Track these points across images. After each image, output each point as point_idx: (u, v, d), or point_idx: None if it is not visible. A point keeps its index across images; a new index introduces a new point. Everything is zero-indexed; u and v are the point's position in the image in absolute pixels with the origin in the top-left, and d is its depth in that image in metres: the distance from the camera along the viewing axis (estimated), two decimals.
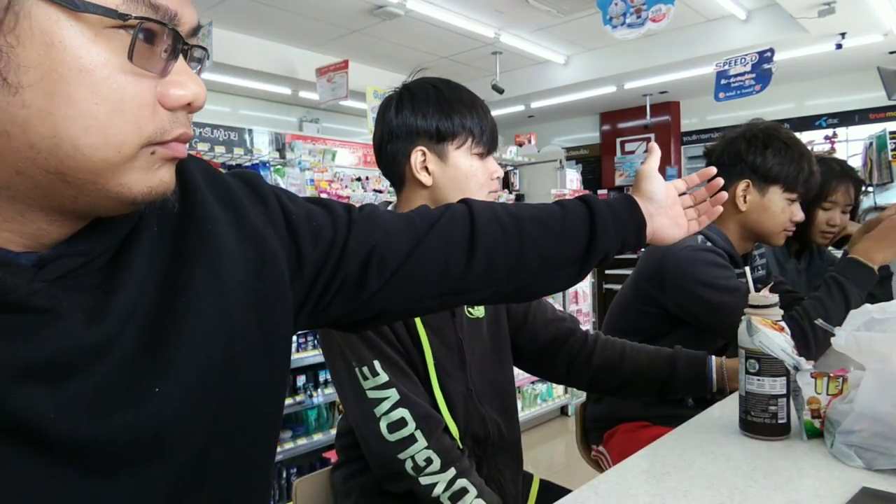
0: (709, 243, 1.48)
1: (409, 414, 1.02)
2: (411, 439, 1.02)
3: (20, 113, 0.40)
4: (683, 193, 0.91)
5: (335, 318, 0.71)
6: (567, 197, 4.38)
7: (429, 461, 1.02)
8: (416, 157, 1.08)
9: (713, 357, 1.26)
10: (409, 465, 1.02)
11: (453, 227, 0.75)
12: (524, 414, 4.01)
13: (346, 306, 0.70)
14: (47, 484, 0.44)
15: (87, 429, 0.45)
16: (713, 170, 0.92)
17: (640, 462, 0.88)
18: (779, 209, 1.47)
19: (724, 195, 0.92)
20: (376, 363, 1.03)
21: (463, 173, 1.08)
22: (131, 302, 0.49)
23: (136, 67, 0.43)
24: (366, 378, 1.03)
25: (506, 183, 4.82)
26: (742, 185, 1.49)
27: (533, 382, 4.24)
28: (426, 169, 1.08)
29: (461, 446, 1.10)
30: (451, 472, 1.02)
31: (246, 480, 0.60)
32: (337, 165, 3.68)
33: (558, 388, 4.41)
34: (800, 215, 1.49)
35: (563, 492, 1.19)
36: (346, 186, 3.45)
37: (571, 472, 1.26)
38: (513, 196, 4.65)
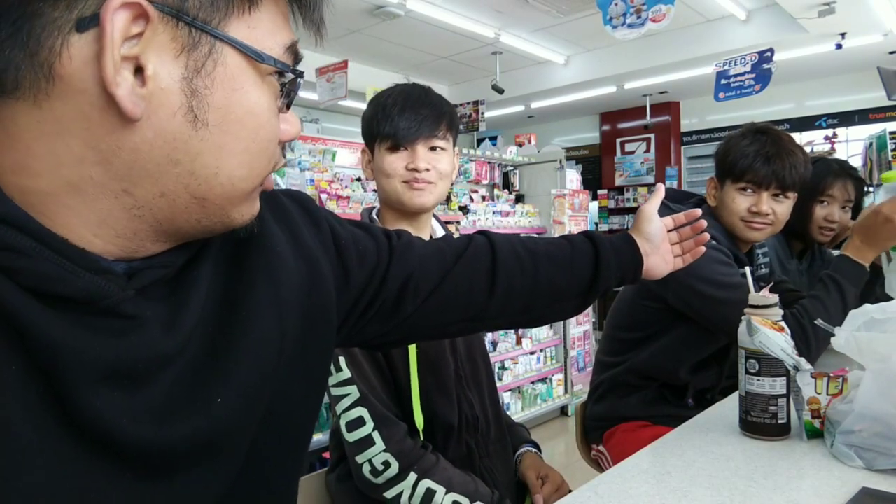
0: (713, 242, 1.47)
1: (367, 413, 1.02)
2: (369, 441, 1.02)
3: (196, 146, 0.45)
4: (672, 230, 0.98)
5: (368, 337, 0.76)
6: (566, 196, 4.40)
7: (386, 465, 1.02)
8: (364, 157, 1.23)
9: None
10: (366, 468, 1.02)
11: (477, 258, 0.82)
12: (524, 414, 4.01)
13: (380, 327, 0.75)
14: (108, 486, 0.45)
15: (154, 434, 0.46)
16: (698, 211, 0.98)
17: (640, 462, 0.88)
18: (730, 200, 1.46)
19: (707, 236, 0.99)
20: (341, 359, 1.04)
21: (378, 167, 1.19)
22: (197, 314, 0.51)
23: (277, 109, 0.49)
24: (330, 374, 1.04)
25: (506, 183, 4.82)
26: (710, 184, 1.54)
27: (533, 382, 4.24)
28: (371, 167, 1.21)
29: (423, 440, 1.10)
30: (412, 476, 1.02)
31: (278, 481, 0.62)
32: (337, 165, 3.66)
33: (558, 389, 4.40)
34: (761, 205, 1.43)
35: None
36: (346, 186, 3.44)
37: (571, 472, 1.26)
38: (513, 196, 4.65)
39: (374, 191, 3.73)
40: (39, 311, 0.41)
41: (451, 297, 0.79)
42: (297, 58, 0.50)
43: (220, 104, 0.45)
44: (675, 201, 1.56)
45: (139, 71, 0.42)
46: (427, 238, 1.21)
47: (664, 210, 1.57)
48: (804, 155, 1.46)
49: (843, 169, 1.86)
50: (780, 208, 1.45)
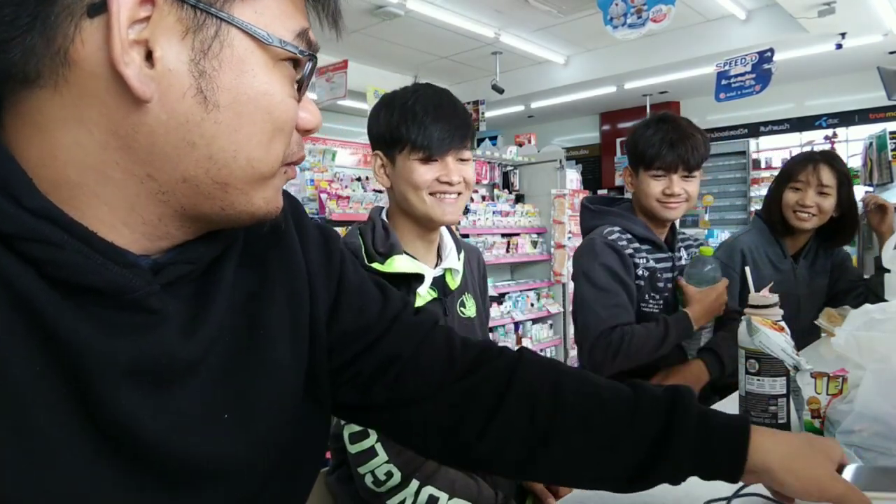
0: (628, 234, 1.57)
1: None
2: (371, 452, 1.02)
3: (210, 128, 0.45)
4: None
5: (341, 402, 0.67)
6: (566, 196, 4.40)
7: (389, 475, 1.01)
8: (376, 161, 1.16)
9: None
10: (369, 479, 1.02)
11: (485, 386, 0.67)
12: None
13: (353, 399, 0.67)
14: (126, 490, 0.45)
15: (177, 442, 0.47)
16: None
17: None
18: (646, 186, 1.57)
19: None
20: None
21: (404, 177, 1.13)
22: (218, 321, 0.52)
23: (295, 93, 0.50)
24: None
25: (506, 183, 4.82)
26: (626, 172, 1.66)
27: None
28: (385, 173, 1.16)
29: None
30: (414, 483, 1.02)
31: (288, 495, 0.63)
32: (337, 165, 3.66)
33: None
34: (673, 188, 1.52)
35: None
36: (346, 186, 3.44)
37: None
38: (513, 196, 4.65)
39: (375, 191, 3.73)
40: (65, 308, 0.43)
41: (436, 419, 0.67)
42: (310, 45, 0.51)
43: (229, 86, 0.45)
44: (603, 204, 1.68)
45: (150, 55, 0.43)
46: (434, 252, 1.21)
47: (588, 214, 1.69)
48: (703, 136, 1.56)
49: (812, 155, 1.91)
50: (690, 187, 1.55)
